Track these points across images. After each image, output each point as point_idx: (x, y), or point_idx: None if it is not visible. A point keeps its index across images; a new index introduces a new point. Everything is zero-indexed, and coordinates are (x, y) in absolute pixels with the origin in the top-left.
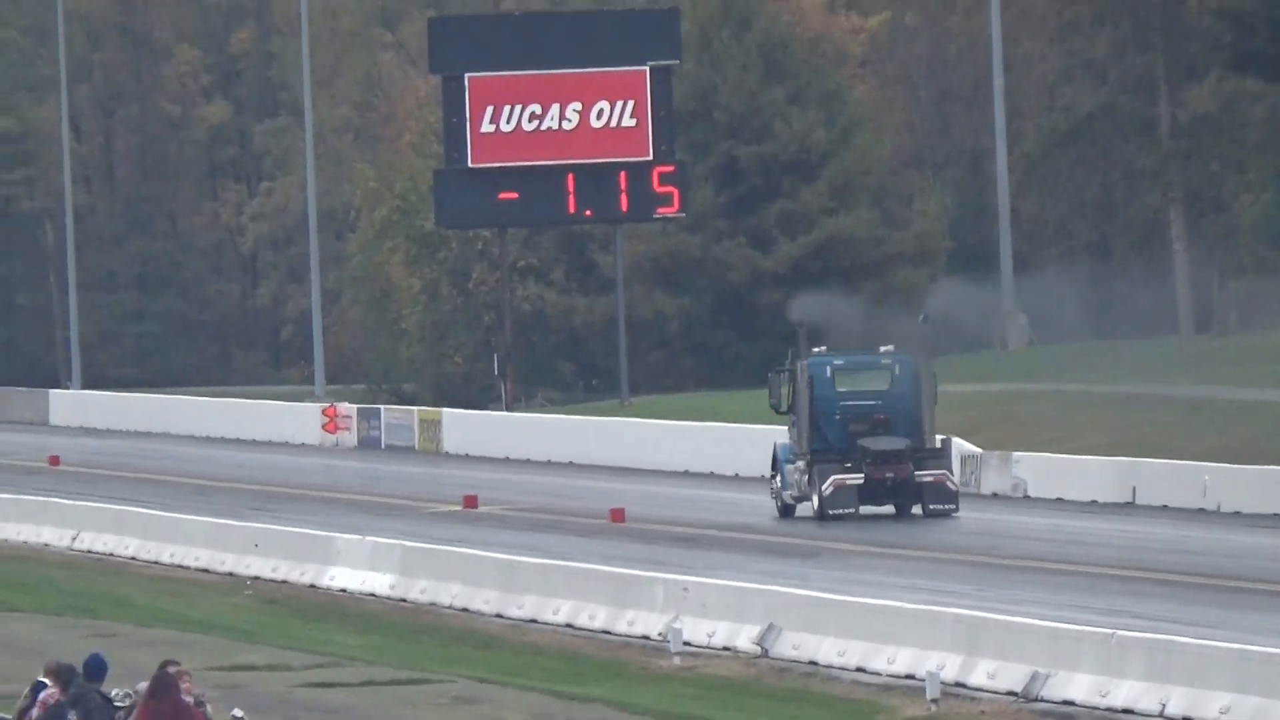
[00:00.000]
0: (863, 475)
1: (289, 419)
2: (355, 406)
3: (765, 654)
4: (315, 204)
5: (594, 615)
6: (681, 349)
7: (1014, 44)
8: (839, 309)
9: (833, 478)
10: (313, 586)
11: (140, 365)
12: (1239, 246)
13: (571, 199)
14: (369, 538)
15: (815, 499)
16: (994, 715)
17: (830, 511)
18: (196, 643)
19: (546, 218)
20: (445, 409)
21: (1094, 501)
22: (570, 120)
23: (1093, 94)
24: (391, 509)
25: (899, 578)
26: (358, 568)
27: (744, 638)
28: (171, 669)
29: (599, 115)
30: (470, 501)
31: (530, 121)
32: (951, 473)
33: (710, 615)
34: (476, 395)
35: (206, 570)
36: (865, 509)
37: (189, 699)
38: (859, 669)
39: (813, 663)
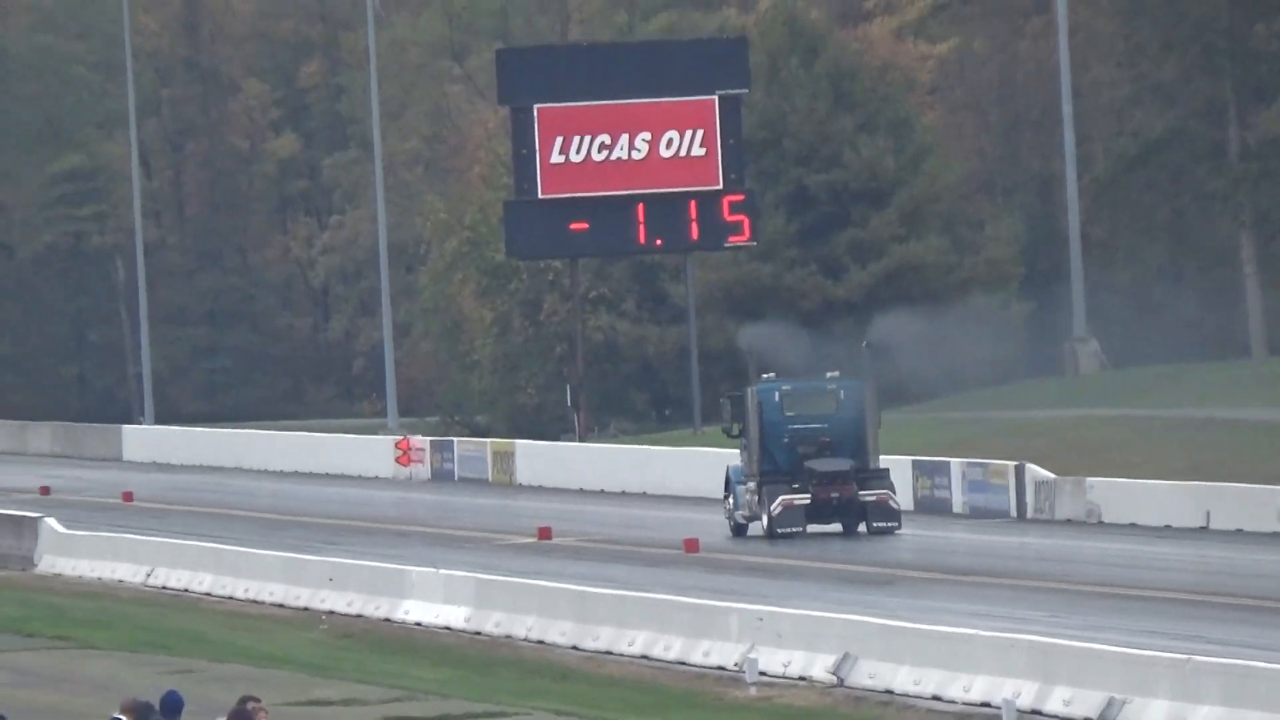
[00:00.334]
0: (809, 495)
1: (362, 452)
2: (428, 439)
3: (841, 683)
4: (385, 237)
5: (669, 646)
6: (753, 377)
7: (1082, 69)
8: (786, 336)
9: (781, 498)
10: (387, 620)
11: (212, 400)
12: None
13: (642, 229)
14: (443, 571)
15: (765, 518)
16: None
17: (779, 530)
18: (272, 678)
19: (617, 248)
20: (518, 440)
21: (1168, 526)
22: (640, 150)
23: (1162, 118)
24: (465, 541)
25: (973, 605)
26: (432, 601)
27: (819, 667)
28: (250, 705)
29: (668, 145)
30: (544, 533)
31: (600, 151)
32: (894, 492)
33: (785, 645)
34: (549, 426)
35: (281, 605)
36: (813, 527)
37: None
38: (934, 697)
39: (888, 691)
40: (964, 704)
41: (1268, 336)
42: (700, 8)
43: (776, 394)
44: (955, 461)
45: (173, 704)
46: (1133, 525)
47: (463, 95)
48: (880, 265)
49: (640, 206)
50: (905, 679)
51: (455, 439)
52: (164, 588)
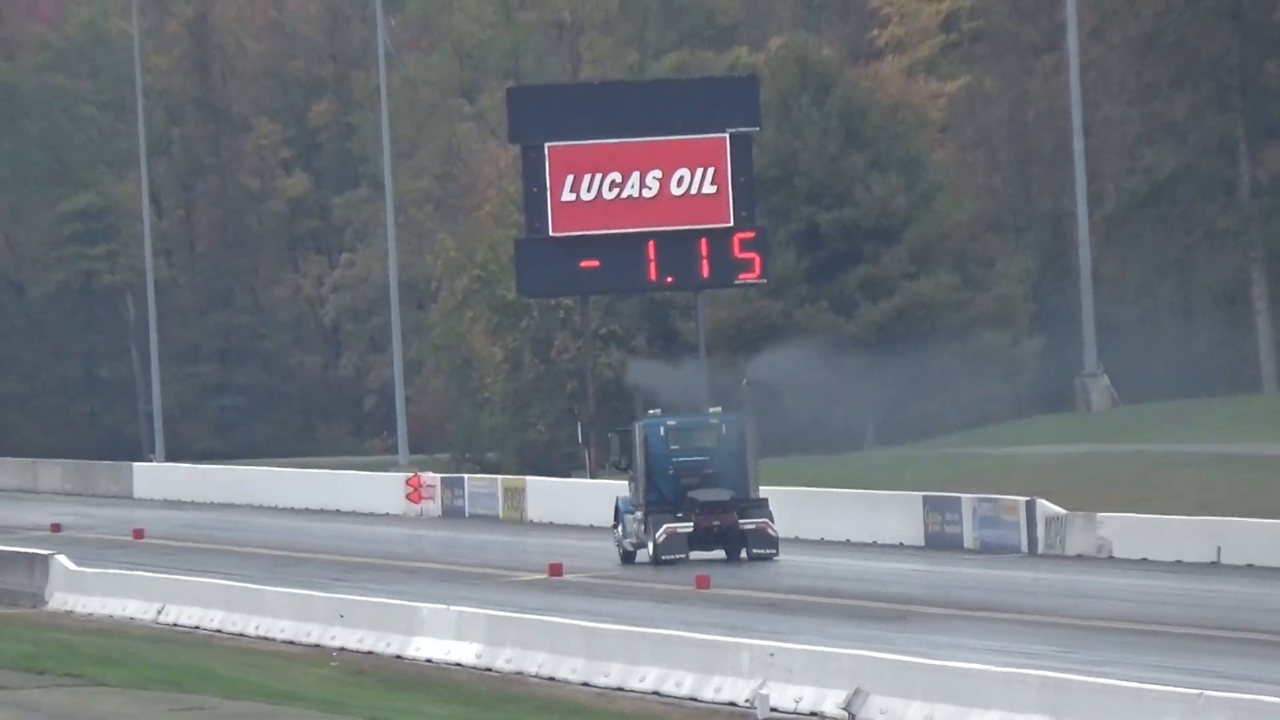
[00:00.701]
0: (692, 524)
1: (372, 489)
2: (439, 476)
3: (852, 718)
4: (396, 274)
5: (680, 682)
6: (764, 414)
7: (1093, 107)
8: (671, 373)
9: (665, 526)
10: (399, 657)
11: (223, 437)
12: None
13: (653, 266)
14: (454, 607)
15: (650, 545)
16: None
17: (663, 557)
18: (283, 715)
19: (628, 285)
20: (529, 477)
21: (1179, 561)
22: (650, 188)
23: (1173, 155)
24: (476, 578)
25: (984, 640)
26: (443, 637)
27: (830, 702)
28: None
29: (679, 182)
30: (555, 569)
31: (610, 189)
32: (772, 521)
33: (796, 680)
34: (560, 463)
35: (292, 642)
36: (695, 554)
37: None
38: None
39: None
40: None
41: (1278, 372)
42: (711, 46)
43: (662, 428)
44: (966, 497)
45: None
46: (1144, 560)
47: (473, 134)
48: (891, 302)
49: (651, 244)
50: (917, 714)
51: (466, 475)
52: (175, 625)
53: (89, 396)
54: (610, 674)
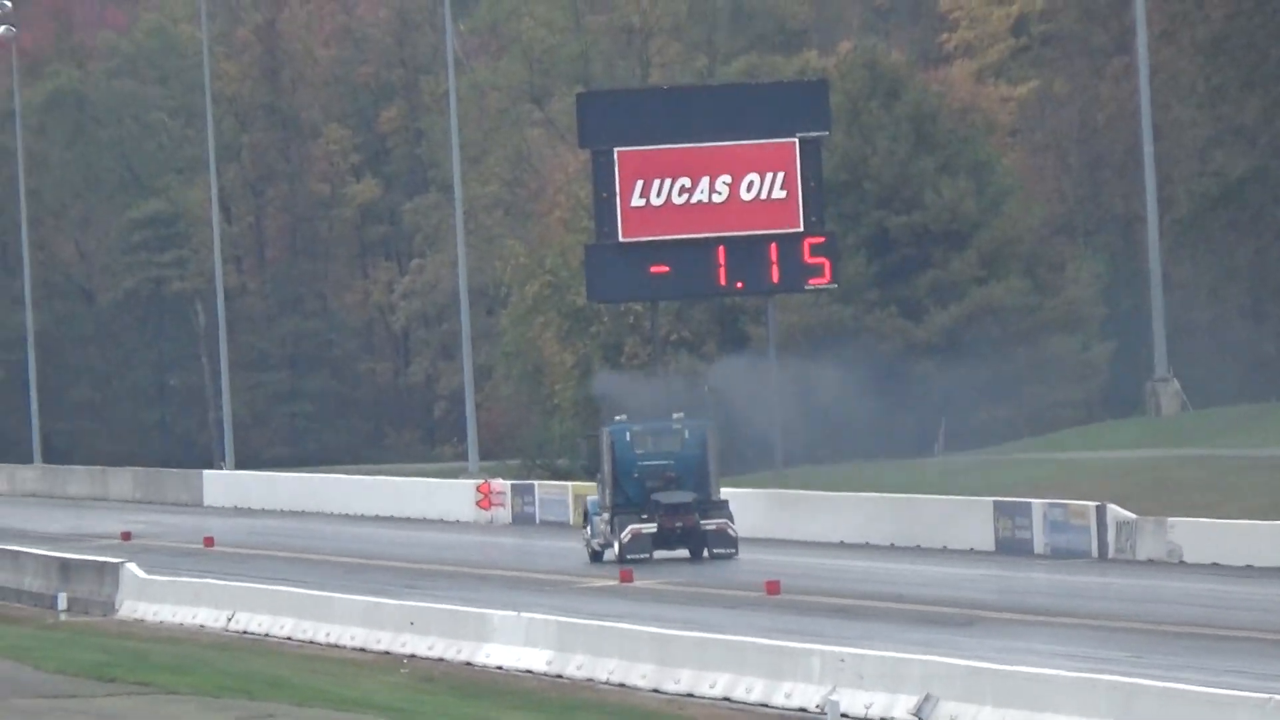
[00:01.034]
0: (656, 525)
1: (442, 496)
2: (509, 482)
3: None
4: (466, 280)
5: (751, 688)
6: (835, 419)
7: (1163, 110)
8: (635, 383)
9: (630, 527)
10: (469, 664)
11: (293, 445)
12: None
13: (722, 271)
14: (525, 614)
15: (616, 546)
16: None
17: (629, 556)
18: None
19: (698, 290)
20: None
21: (1250, 566)
22: (720, 193)
23: (1243, 158)
24: (546, 584)
25: (1054, 645)
26: (514, 644)
27: (901, 708)
28: None
29: (749, 187)
30: (626, 576)
31: (680, 195)
32: (732, 521)
33: (867, 686)
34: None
35: (362, 649)
36: (659, 554)
37: None
38: None
39: None
40: None
41: None
42: (780, 51)
43: (627, 434)
44: (1036, 502)
45: None
46: (1214, 565)
47: (543, 139)
48: (961, 307)
49: (721, 249)
50: (988, 719)
51: (536, 482)
52: (245, 632)
53: (159, 404)
54: (681, 680)
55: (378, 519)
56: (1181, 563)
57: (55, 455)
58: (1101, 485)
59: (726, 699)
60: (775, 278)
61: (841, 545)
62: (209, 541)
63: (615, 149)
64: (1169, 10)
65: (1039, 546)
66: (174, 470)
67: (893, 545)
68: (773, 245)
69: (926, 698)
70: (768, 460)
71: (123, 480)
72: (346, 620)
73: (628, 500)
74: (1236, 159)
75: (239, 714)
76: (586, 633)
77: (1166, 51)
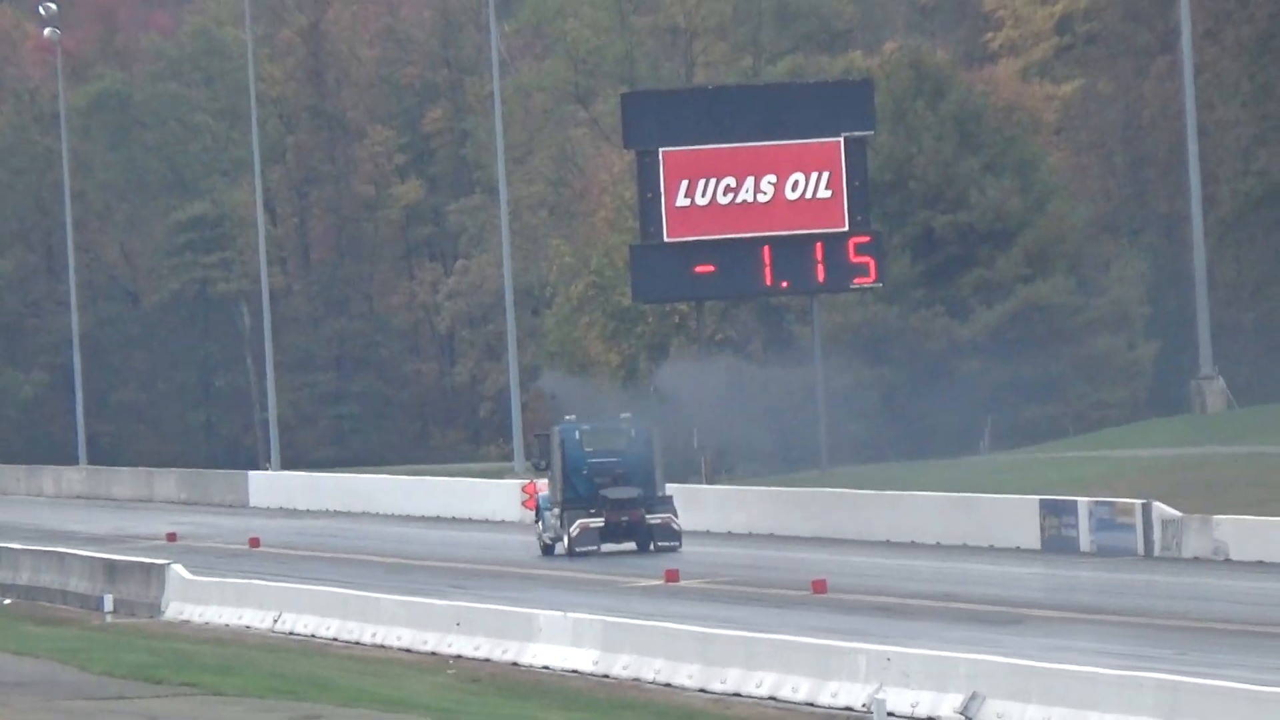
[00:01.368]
0: (603, 519)
1: (488, 496)
2: None
3: None
4: (511, 281)
5: (797, 688)
6: (881, 418)
7: (1208, 109)
8: (583, 386)
9: (579, 521)
10: (515, 664)
11: (339, 445)
12: None
13: (768, 271)
14: (570, 614)
15: (566, 539)
16: None
17: (577, 549)
18: None
19: (743, 290)
20: None
21: None
22: (765, 193)
23: None
24: (592, 585)
25: (1100, 643)
26: (560, 644)
27: (947, 706)
28: None
29: (794, 187)
30: (671, 575)
31: (725, 195)
32: (676, 516)
33: (913, 685)
34: (676, 469)
35: (409, 650)
36: (607, 547)
37: None
38: None
39: None
40: None
41: None
42: (825, 51)
43: (577, 433)
44: (1082, 500)
45: None
46: (1260, 563)
47: (588, 139)
48: (1006, 306)
49: (766, 249)
50: (1033, 717)
51: None
52: (291, 633)
53: (205, 405)
54: (727, 680)
55: (423, 519)
56: (1227, 560)
57: (101, 457)
58: (1147, 483)
59: (773, 698)
60: (820, 277)
61: (888, 544)
62: (254, 542)
63: (660, 149)
64: (1213, 9)
65: (1085, 544)
66: (219, 471)
67: (939, 544)
68: (818, 245)
69: (973, 696)
70: (813, 460)
71: (168, 481)
72: (392, 621)
73: (577, 496)
74: None
75: (285, 715)
76: (632, 632)
77: (1211, 51)
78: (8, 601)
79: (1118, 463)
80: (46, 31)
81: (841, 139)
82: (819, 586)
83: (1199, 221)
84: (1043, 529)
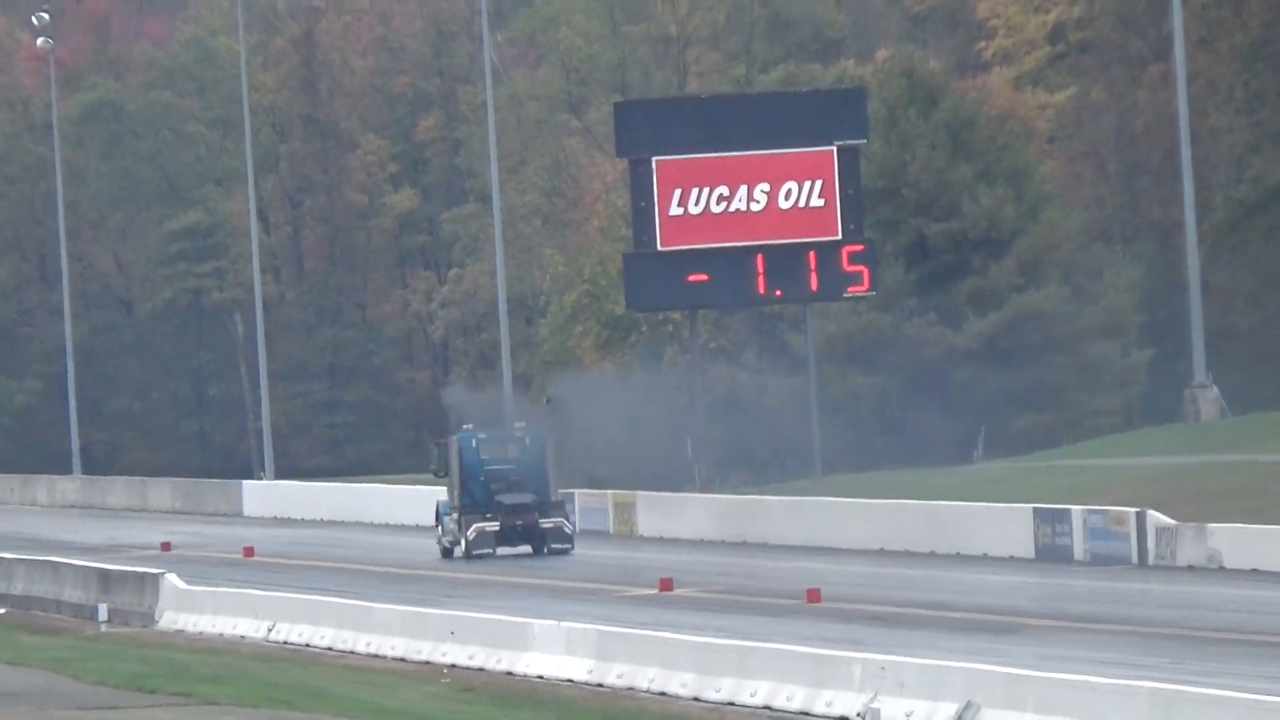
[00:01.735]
0: (499, 523)
1: None
2: None
3: None
4: (505, 290)
5: (791, 696)
6: (874, 427)
7: (1201, 116)
8: (482, 396)
9: (475, 525)
10: (509, 673)
11: (332, 454)
12: None
13: (761, 279)
14: (565, 623)
15: (463, 543)
16: None
17: (474, 552)
18: None
19: (736, 299)
20: (639, 492)
21: None
22: (758, 201)
23: None
24: (586, 593)
25: (1095, 652)
26: (554, 653)
27: (942, 715)
28: None
29: (787, 195)
30: (665, 584)
31: (718, 203)
32: (569, 520)
33: (908, 694)
34: (670, 478)
35: (403, 659)
36: (502, 550)
37: None
38: None
39: None
40: None
41: None
42: (818, 59)
43: (474, 441)
44: (1076, 509)
45: None
46: (1254, 571)
47: (581, 148)
48: (1000, 314)
49: (759, 257)
50: None
51: (576, 491)
52: (285, 643)
53: (199, 415)
54: (721, 689)
55: (417, 528)
56: (1221, 569)
57: (94, 466)
58: (1141, 491)
59: (767, 707)
60: (814, 285)
61: (881, 553)
62: (249, 552)
63: (653, 158)
64: (1207, 17)
65: (1079, 553)
66: (213, 480)
67: (933, 553)
68: (811, 253)
69: (968, 705)
70: (807, 468)
71: (162, 491)
72: (386, 630)
73: (474, 501)
74: (1274, 165)
75: None
76: (627, 641)
77: (1204, 58)
78: (2, 611)
79: (1112, 471)
80: (39, 41)
81: (834, 147)
82: (813, 595)
83: (1192, 229)
84: (1037, 538)
